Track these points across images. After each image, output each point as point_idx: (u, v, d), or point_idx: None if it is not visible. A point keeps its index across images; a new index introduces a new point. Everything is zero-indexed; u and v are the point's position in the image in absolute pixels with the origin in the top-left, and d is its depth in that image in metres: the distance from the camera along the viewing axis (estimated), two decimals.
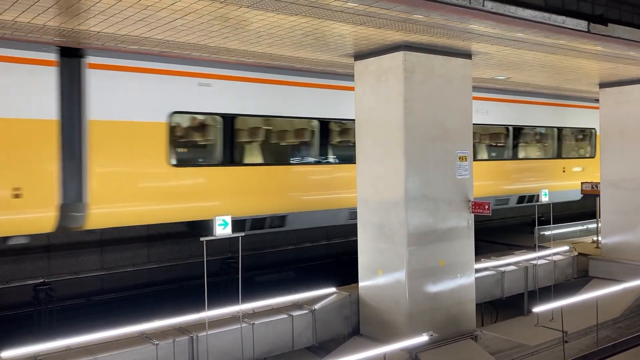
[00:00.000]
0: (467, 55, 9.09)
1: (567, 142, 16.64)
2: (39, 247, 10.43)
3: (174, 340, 7.33)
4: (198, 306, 7.78)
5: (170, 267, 11.53)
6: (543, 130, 16.03)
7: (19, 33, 7.27)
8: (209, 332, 7.40)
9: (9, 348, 6.80)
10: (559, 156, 16.11)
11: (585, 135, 17.11)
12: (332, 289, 9.36)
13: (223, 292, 10.88)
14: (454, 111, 9.00)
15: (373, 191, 8.92)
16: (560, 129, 16.05)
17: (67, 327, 8.74)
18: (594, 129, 16.83)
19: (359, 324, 9.23)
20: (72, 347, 6.99)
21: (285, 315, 8.44)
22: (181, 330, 7.62)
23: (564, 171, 16.02)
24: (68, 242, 10.82)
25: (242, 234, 7.24)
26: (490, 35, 7.89)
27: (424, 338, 7.99)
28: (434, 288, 8.73)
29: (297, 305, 8.86)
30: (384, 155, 8.70)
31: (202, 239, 7.26)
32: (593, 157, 16.89)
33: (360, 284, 9.19)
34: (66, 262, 10.58)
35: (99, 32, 7.26)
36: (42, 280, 9.40)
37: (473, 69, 9.47)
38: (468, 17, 6.89)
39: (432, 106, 8.72)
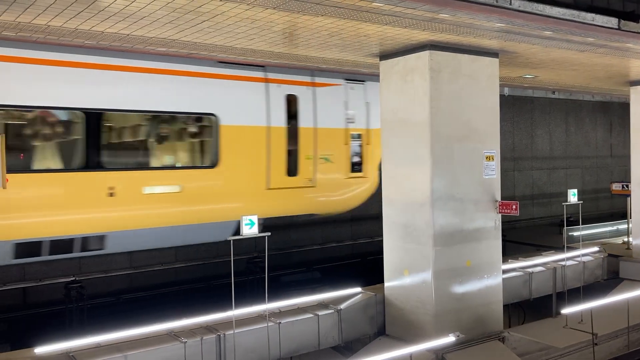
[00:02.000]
0: (494, 54, 9.01)
1: (128, 139, 9.66)
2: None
3: (201, 338, 7.42)
4: (225, 305, 7.86)
5: (198, 266, 11.64)
6: (63, 116, 8.96)
7: (24, 34, 7.45)
8: (236, 331, 7.46)
9: (43, 344, 6.97)
10: (96, 166, 9.04)
11: (201, 126, 10.12)
12: (358, 289, 9.36)
13: (249, 291, 10.96)
14: (480, 110, 8.93)
15: (398, 191, 8.90)
16: (98, 114, 8.96)
17: (98, 324, 8.90)
18: (214, 115, 9.92)
19: (384, 324, 9.21)
20: (103, 345, 7.12)
21: (311, 315, 8.47)
22: (209, 328, 7.71)
23: (111, 195, 9.06)
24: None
25: (269, 233, 7.29)
26: (518, 34, 7.81)
27: (450, 339, 7.94)
28: (460, 289, 8.67)
29: (323, 305, 8.88)
30: (410, 155, 8.67)
31: (229, 238, 7.33)
32: (215, 167, 10.06)
33: (386, 284, 9.17)
34: (96, 260, 10.77)
35: (128, 35, 7.39)
36: (73, 278, 9.59)
37: (500, 67, 9.38)
38: (495, 16, 6.84)
39: (459, 106, 8.66)
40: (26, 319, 9.65)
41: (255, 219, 7.24)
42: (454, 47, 8.48)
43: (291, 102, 10.83)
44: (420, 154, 8.49)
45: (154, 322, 7.68)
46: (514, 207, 8.83)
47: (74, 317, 9.44)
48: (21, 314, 9.70)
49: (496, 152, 9.11)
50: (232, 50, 8.49)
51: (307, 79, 10.94)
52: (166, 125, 10.02)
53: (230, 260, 7.26)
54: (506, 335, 9.07)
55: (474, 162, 8.84)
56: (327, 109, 11.20)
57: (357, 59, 9.39)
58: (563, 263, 11.58)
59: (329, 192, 11.55)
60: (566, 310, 9.73)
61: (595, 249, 12.86)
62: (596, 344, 9.59)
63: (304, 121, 10.97)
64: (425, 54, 8.33)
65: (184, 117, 10.01)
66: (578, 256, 11.88)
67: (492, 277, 9.05)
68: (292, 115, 10.87)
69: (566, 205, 10.78)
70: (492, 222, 9.03)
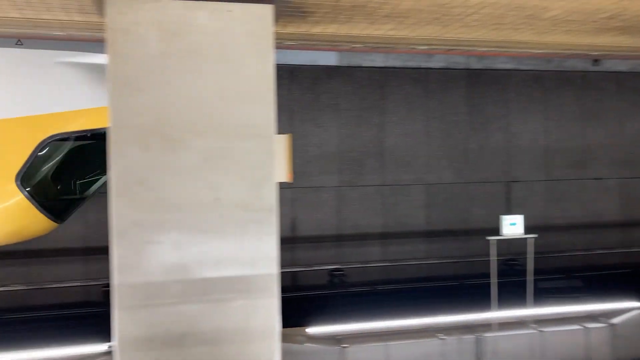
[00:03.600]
0: None
1: None
2: (331, 237, 11.52)
3: (459, 337, 7.33)
4: (475, 305, 7.66)
5: (450, 264, 11.58)
6: None
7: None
8: (496, 334, 7.21)
9: (311, 325, 7.62)
10: None
11: None
12: (636, 303, 8.27)
13: (504, 294, 10.51)
14: None
15: None
16: None
17: (357, 312, 9.43)
18: None
19: None
20: (365, 332, 7.50)
21: (578, 327, 7.76)
22: (467, 328, 7.58)
23: None
24: (355, 233, 11.71)
25: (535, 235, 6.87)
26: None
27: None
28: None
29: (591, 317, 8.07)
30: None
31: (488, 238, 7.11)
32: None
33: None
34: (353, 251, 11.46)
35: (393, 36, 7.63)
36: (336, 266, 10.34)
37: None
38: None
39: None
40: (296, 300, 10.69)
41: (519, 218, 6.90)
42: None
43: None
44: None
45: (410, 315, 7.83)
46: None
47: (336, 302, 10.17)
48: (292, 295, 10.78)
49: None
50: (490, 43, 8.17)
51: None
52: None
53: (490, 261, 7.04)
54: None
55: None
56: None
57: (637, 42, 8.27)
58: None
59: None
60: None
61: None
62: None
63: None
64: None
65: None
66: None
67: None
68: None
69: None
70: None
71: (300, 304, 10.66)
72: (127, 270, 5.21)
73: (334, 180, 11.59)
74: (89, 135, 7.74)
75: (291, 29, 7.13)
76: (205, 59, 5.42)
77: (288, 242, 11.08)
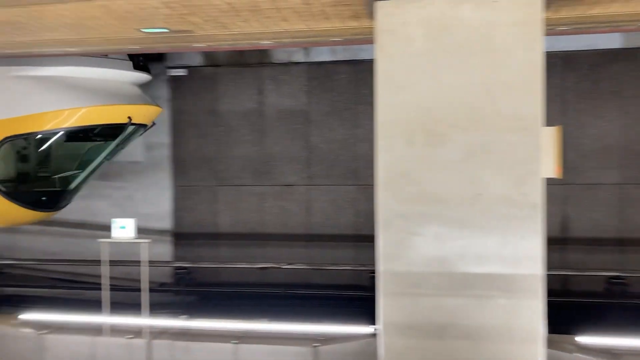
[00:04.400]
0: None
1: None
2: (610, 240, 10.38)
3: None
4: None
5: None
6: None
7: None
8: None
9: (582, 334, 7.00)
10: None
11: None
12: None
13: None
14: None
15: None
16: None
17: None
18: None
19: None
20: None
21: None
22: None
23: None
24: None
25: None
26: None
27: None
28: None
29: None
30: None
31: None
32: None
33: None
34: (639, 258, 10.15)
35: None
36: (616, 273, 9.32)
37: None
38: None
39: None
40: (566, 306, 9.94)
41: None
42: None
43: None
44: None
45: None
46: None
47: (613, 313, 9.17)
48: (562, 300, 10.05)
49: None
50: None
51: None
52: None
53: None
54: None
55: None
56: None
57: None
58: None
59: None
60: None
61: None
62: None
63: None
64: None
65: None
66: None
67: None
68: None
69: None
70: None
71: (571, 310, 9.87)
72: (391, 258, 5.49)
73: (614, 176, 10.41)
74: (51, 135, 9.03)
75: (564, 13, 6.61)
76: (470, 53, 5.38)
77: (557, 242, 10.35)
